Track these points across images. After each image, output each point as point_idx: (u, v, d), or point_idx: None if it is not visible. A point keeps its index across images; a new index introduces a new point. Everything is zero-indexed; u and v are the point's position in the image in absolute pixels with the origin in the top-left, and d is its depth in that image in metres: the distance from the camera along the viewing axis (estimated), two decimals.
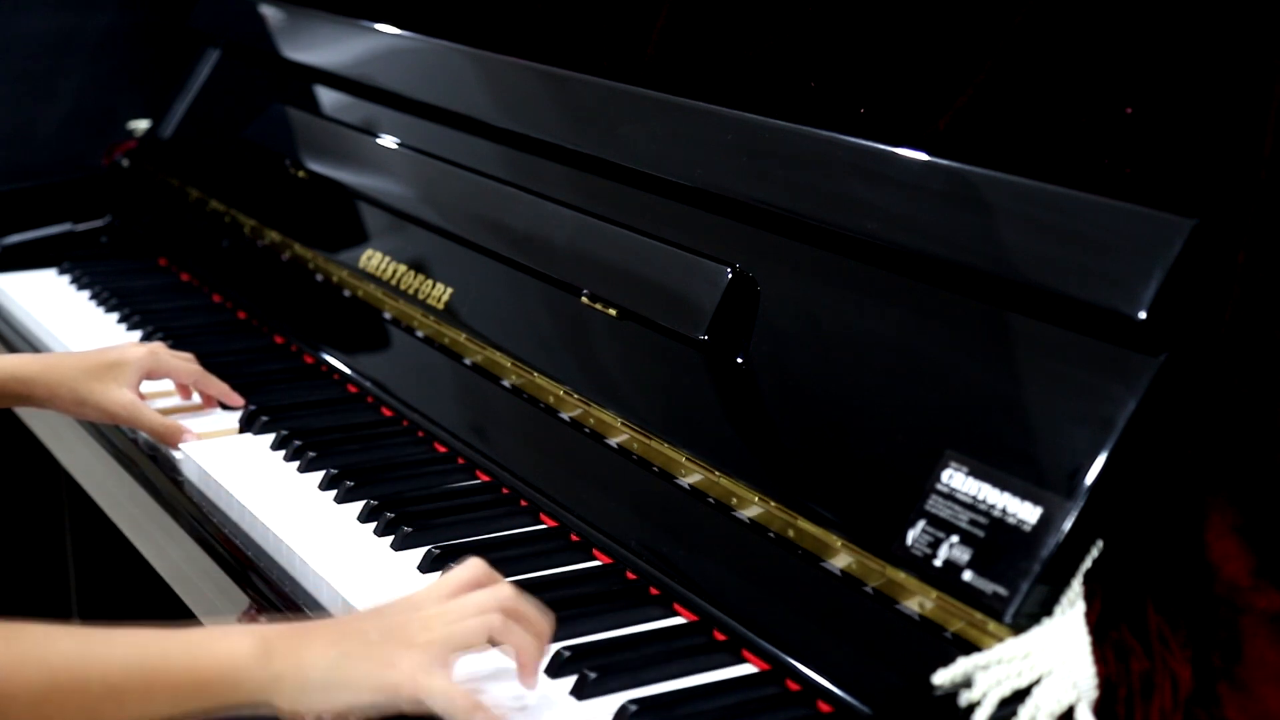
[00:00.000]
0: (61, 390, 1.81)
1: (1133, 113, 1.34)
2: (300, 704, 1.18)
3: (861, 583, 1.32)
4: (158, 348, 1.90)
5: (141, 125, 2.80)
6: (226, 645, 1.17)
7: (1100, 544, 1.20)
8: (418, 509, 1.63)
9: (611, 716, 1.28)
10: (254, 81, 2.56)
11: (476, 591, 1.27)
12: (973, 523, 1.24)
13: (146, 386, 1.89)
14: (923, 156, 1.41)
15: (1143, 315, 1.19)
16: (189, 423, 1.85)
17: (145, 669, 1.14)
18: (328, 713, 1.19)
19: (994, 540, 1.23)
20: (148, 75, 2.91)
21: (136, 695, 1.13)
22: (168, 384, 1.95)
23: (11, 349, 2.31)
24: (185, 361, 1.91)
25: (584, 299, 1.69)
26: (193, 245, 2.51)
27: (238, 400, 1.91)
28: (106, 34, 2.89)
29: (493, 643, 1.26)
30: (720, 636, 1.40)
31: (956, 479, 1.27)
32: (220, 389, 1.92)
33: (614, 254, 1.69)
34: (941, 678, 1.19)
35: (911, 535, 1.28)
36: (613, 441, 1.61)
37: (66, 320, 2.29)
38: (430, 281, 1.95)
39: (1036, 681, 1.17)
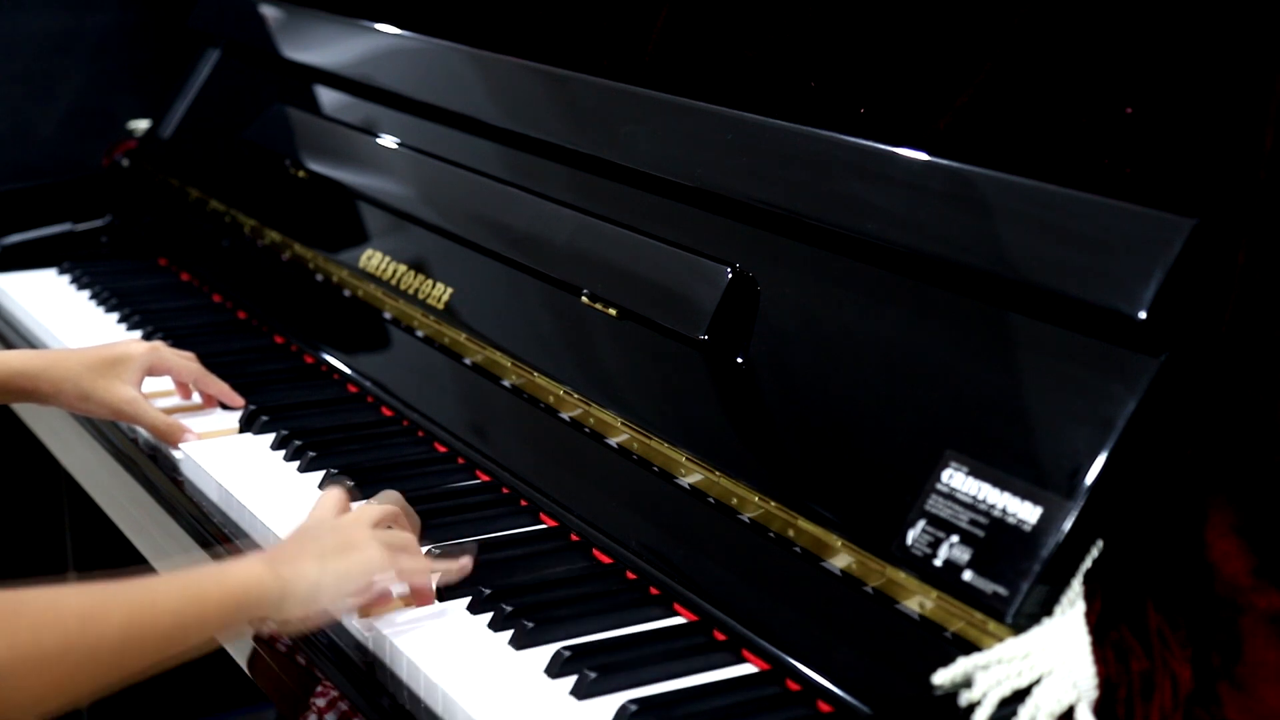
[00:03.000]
0: (65, 385, 1.82)
1: (1133, 113, 1.34)
2: (308, 608, 1.37)
3: (861, 583, 1.32)
4: (160, 345, 1.91)
5: (141, 125, 2.80)
6: (243, 571, 1.34)
7: (1100, 544, 1.20)
8: (417, 509, 1.63)
9: (611, 716, 1.28)
10: (254, 81, 2.56)
11: (375, 505, 1.52)
12: (973, 523, 1.25)
13: (147, 385, 1.89)
14: (923, 156, 1.41)
15: (1143, 315, 1.19)
16: (189, 422, 1.85)
17: (192, 598, 1.30)
18: (322, 615, 1.41)
19: (994, 540, 1.23)
20: (148, 75, 2.91)
21: (193, 626, 1.30)
22: (168, 383, 1.95)
23: (11, 349, 2.31)
24: (186, 359, 1.92)
25: (584, 299, 1.69)
26: (193, 245, 2.51)
27: (238, 400, 1.92)
28: (106, 34, 2.89)
29: (393, 523, 1.50)
30: (720, 636, 1.40)
31: (956, 479, 1.27)
32: (220, 388, 1.92)
33: (614, 254, 1.69)
34: (941, 678, 1.19)
35: (912, 535, 1.28)
36: (613, 441, 1.61)
37: (66, 320, 2.29)
38: (430, 281, 1.95)
39: (1036, 681, 1.17)
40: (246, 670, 1.73)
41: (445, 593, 1.48)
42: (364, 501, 1.54)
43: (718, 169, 1.61)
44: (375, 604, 1.46)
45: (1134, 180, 1.32)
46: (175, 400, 1.94)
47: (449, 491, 1.70)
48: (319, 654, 1.48)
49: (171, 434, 1.83)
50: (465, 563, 1.48)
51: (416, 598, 1.47)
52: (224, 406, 1.93)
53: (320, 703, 1.50)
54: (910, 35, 1.58)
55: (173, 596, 1.29)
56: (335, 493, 1.52)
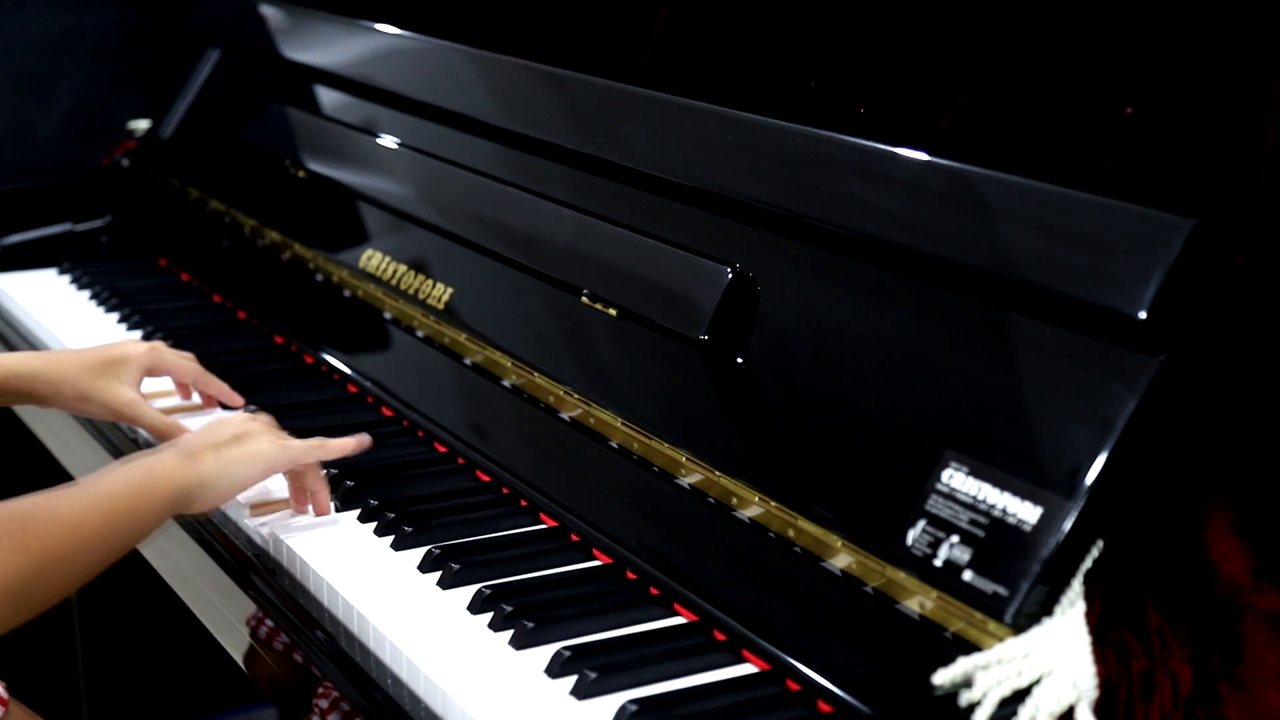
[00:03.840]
0: (64, 387, 1.83)
1: (1133, 113, 1.34)
2: (215, 493, 1.57)
3: (862, 583, 1.32)
4: (159, 345, 1.90)
5: (141, 125, 2.80)
6: (169, 471, 1.53)
7: (1100, 544, 1.20)
8: (418, 509, 1.63)
9: (611, 716, 1.29)
10: (254, 81, 2.56)
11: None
12: (973, 523, 1.25)
13: (148, 385, 1.89)
14: (923, 156, 1.41)
15: (1143, 315, 1.19)
16: (189, 423, 1.85)
17: (141, 502, 1.50)
18: (233, 495, 1.61)
19: (994, 540, 1.23)
20: (148, 75, 2.91)
21: (141, 526, 1.51)
22: (168, 384, 1.95)
23: (11, 349, 2.31)
24: (186, 360, 1.91)
25: (584, 299, 1.69)
26: (193, 245, 2.52)
27: (238, 400, 1.92)
28: (106, 34, 2.89)
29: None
30: (720, 636, 1.40)
31: (957, 479, 1.27)
32: (220, 389, 1.92)
33: (614, 254, 1.69)
34: (941, 678, 1.19)
35: (912, 535, 1.28)
36: (613, 441, 1.61)
37: (66, 320, 2.29)
38: (430, 281, 1.95)
39: (1036, 681, 1.17)
40: (242, 665, 1.73)
41: (444, 581, 1.48)
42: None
43: (718, 169, 1.61)
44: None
45: (1134, 180, 1.32)
46: (175, 400, 1.94)
47: (449, 492, 1.70)
48: (318, 652, 1.48)
49: (171, 434, 1.82)
50: (361, 439, 1.68)
51: (315, 504, 1.64)
52: (224, 407, 1.93)
53: (323, 704, 1.50)
54: (910, 35, 1.58)
55: (127, 499, 1.49)
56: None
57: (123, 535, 1.48)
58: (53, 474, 2.50)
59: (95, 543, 1.44)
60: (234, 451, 1.58)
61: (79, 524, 1.43)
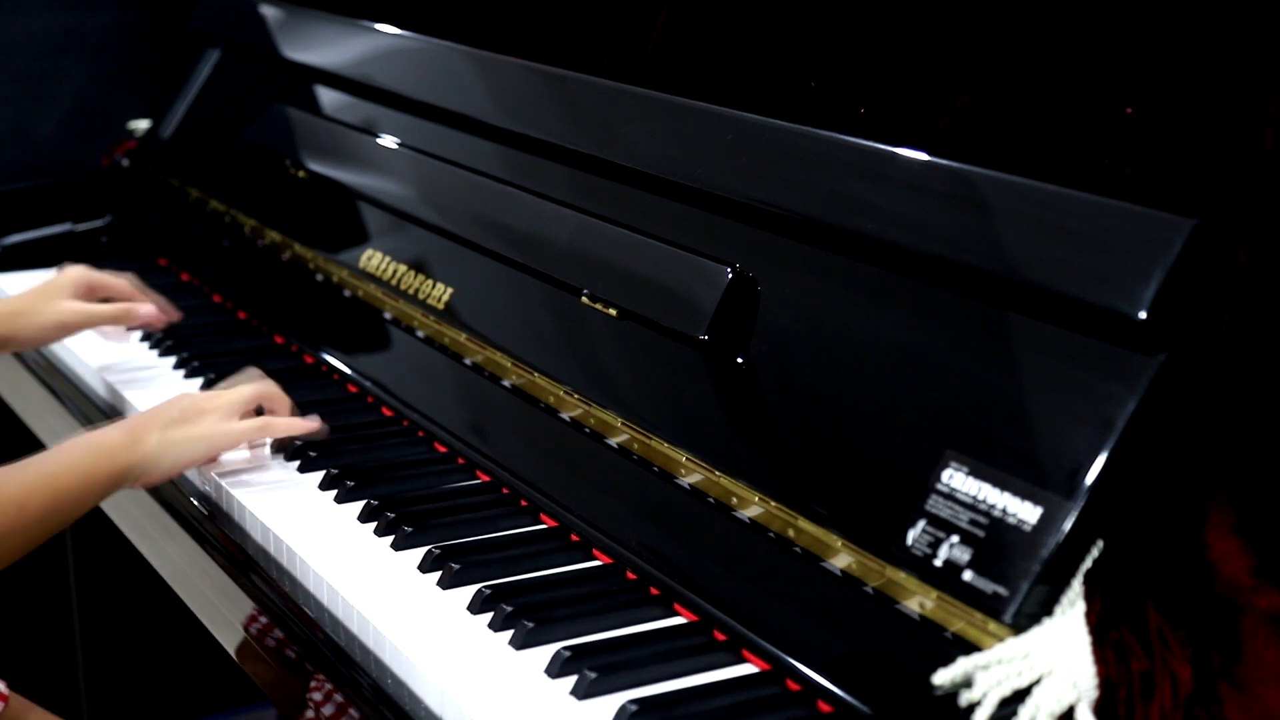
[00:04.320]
0: (18, 323, 1.99)
1: (1133, 113, 1.33)
2: (157, 471, 1.66)
3: (861, 583, 1.32)
4: (87, 268, 2.06)
5: (141, 125, 2.80)
6: (114, 449, 1.63)
7: (1100, 544, 1.20)
8: (418, 509, 1.63)
9: (612, 716, 1.29)
10: (254, 81, 2.56)
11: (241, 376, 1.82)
12: (973, 523, 1.25)
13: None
14: (923, 156, 1.41)
15: (1143, 315, 1.19)
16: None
17: (84, 477, 1.61)
18: (176, 473, 1.70)
19: (994, 540, 1.23)
20: (148, 75, 2.91)
21: (83, 502, 1.61)
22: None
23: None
24: (121, 278, 2.07)
25: (584, 299, 1.69)
26: (193, 245, 2.52)
27: (175, 314, 2.10)
28: (106, 34, 2.89)
29: (262, 401, 1.76)
30: (720, 636, 1.41)
31: (957, 479, 1.27)
32: (156, 299, 2.08)
33: (614, 254, 1.69)
34: (941, 678, 1.19)
35: (912, 535, 1.28)
36: (613, 441, 1.61)
37: None
38: (430, 281, 1.95)
39: (1037, 681, 1.17)
40: (240, 663, 1.73)
41: (444, 581, 1.48)
42: (238, 383, 1.80)
43: (718, 169, 1.61)
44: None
45: (1134, 180, 1.32)
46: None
47: (449, 492, 1.70)
48: (317, 651, 1.48)
49: (128, 315, 2.01)
50: (311, 422, 1.75)
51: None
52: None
53: (320, 701, 1.50)
54: (910, 35, 1.58)
55: (71, 478, 1.59)
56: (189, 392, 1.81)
57: (64, 513, 1.59)
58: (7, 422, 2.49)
59: (37, 522, 1.55)
60: (178, 432, 1.67)
61: (23, 504, 1.53)
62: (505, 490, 1.69)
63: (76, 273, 2.04)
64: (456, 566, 1.50)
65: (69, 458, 1.61)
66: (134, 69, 2.92)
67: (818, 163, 1.51)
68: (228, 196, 2.47)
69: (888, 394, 1.37)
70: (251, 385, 1.77)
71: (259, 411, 1.77)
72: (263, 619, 1.62)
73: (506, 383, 1.78)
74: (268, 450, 1.80)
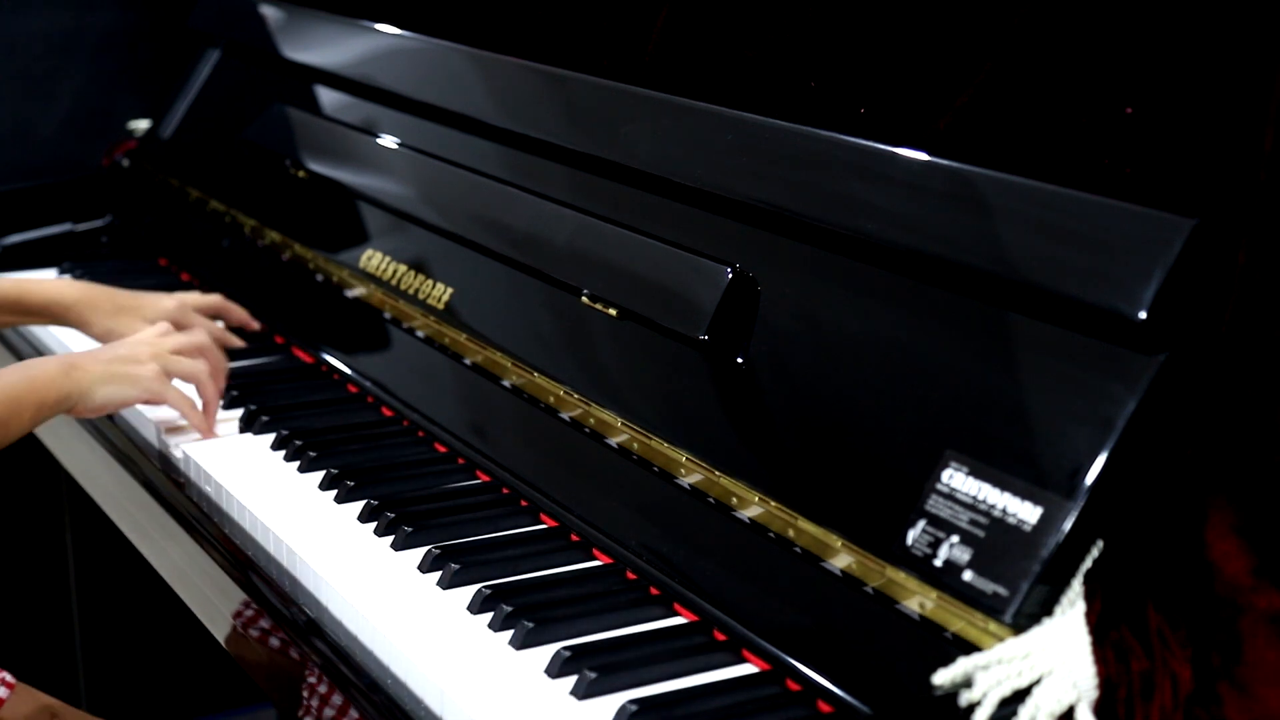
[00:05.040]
0: (93, 316, 2.04)
1: (1133, 113, 1.33)
2: (91, 403, 1.76)
3: (862, 583, 1.32)
4: (190, 300, 2.08)
5: (141, 125, 2.80)
6: (47, 378, 1.72)
7: (1100, 544, 1.20)
8: (418, 509, 1.63)
9: (612, 716, 1.29)
10: (254, 81, 2.56)
11: (180, 333, 1.91)
12: (973, 523, 1.25)
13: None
14: (923, 156, 1.41)
15: (1143, 315, 1.19)
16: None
17: (14, 406, 1.68)
18: (110, 408, 1.81)
19: (994, 540, 1.23)
20: (148, 75, 2.91)
21: (13, 427, 1.68)
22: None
23: (13, 349, 2.31)
24: (211, 323, 2.07)
25: (584, 299, 1.69)
26: (193, 245, 2.51)
27: (253, 324, 2.15)
28: (106, 34, 2.89)
29: (200, 353, 1.87)
30: (720, 636, 1.41)
31: (957, 479, 1.27)
32: (227, 336, 2.10)
33: (614, 254, 1.69)
34: (941, 678, 1.19)
35: (912, 535, 1.28)
36: (613, 441, 1.61)
37: None
38: (430, 281, 1.95)
39: (1037, 681, 1.17)
40: (238, 662, 1.73)
41: (444, 581, 1.48)
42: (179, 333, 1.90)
43: (718, 169, 1.61)
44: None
45: (1134, 180, 1.32)
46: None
47: (449, 491, 1.70)
48: (316, 651, 1.48)
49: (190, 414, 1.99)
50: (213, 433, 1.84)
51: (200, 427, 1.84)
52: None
53: (320, 702, 1.50)
54: (910, 35, 1.58)
55: (2, 407, 1.67)
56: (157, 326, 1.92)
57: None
58: (53, 474, 2.51)
59: None
60: (116, 369, 1.77)
61: None
62: (505, 490, 1.69)
63: (169, 310, 2.05)
64: (456, 566, 1.50)
65: (3, 386, 1.67)
66: (134, 69, 2.92)
67: (818, 163, 1.51)
68: (228, 196, 2.47)
69: (887, 394, 1.37)
70: (191, 362, 1.84)
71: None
72: (263, 620, 1.62)
73: (506, 383, 1.78)
74: (267, 444, 1.80)
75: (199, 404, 1.85)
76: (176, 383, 1.85)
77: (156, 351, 1.82)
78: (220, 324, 2.11)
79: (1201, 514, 1.16)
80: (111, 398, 1.77)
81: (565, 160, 1.84)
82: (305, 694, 1.54)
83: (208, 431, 1.84)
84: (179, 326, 2.01)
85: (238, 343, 2.09)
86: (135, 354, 1.80)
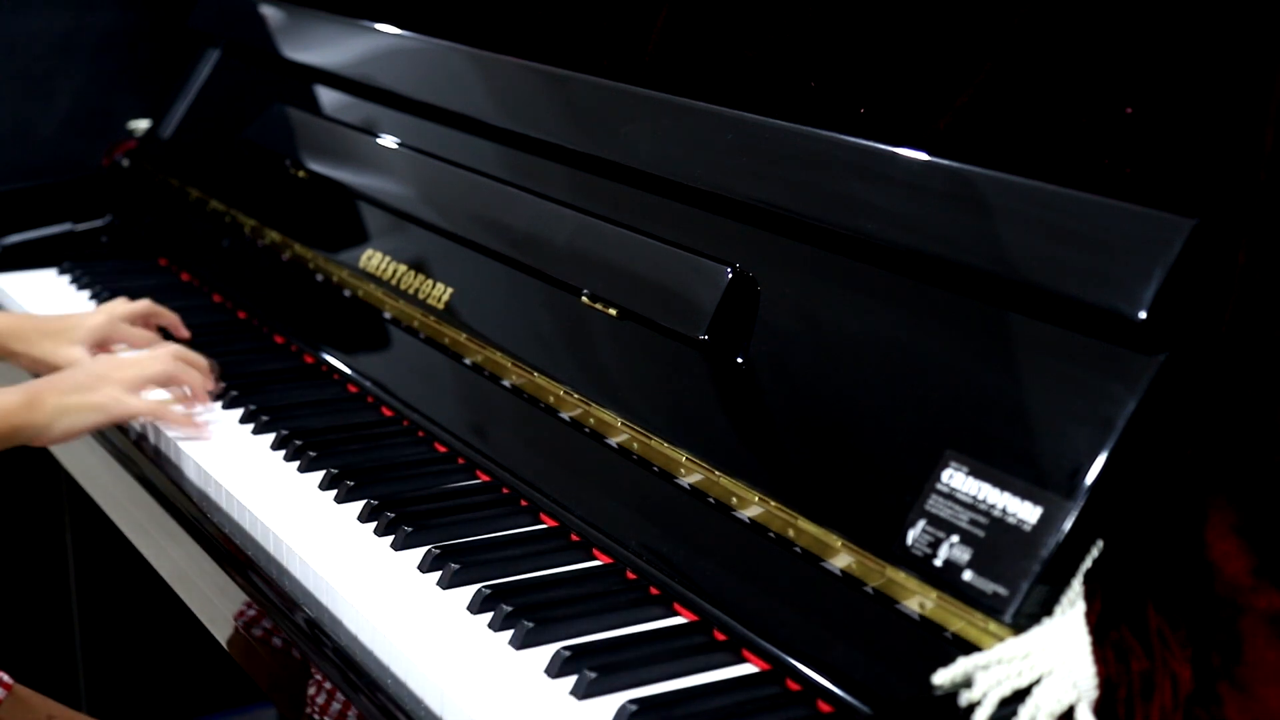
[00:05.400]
0: (19, 346, 2.01)
1: (1133, 113, 1.34)
2: (50, 435, 1.77)
3: (862, 583, 1.32)
4: (118, 311, 2.05)
5: (141, 125, 2.80)
6: (6, 408, 1.73)
7: (1100, 544, 1.20)
8: (418, 509, 1.63)
9: (612, 716, 1.29)
10: (254, 81, 2.56)
11: (155, 349, 1.91)
12: (973, 523, 1.25)
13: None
14: (923, 156, 1.41)
15: (1143, 315, 1.19)
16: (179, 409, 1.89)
17: None
18: (71, 437, 1.81)
19: (994, 540, 1.23)
20: (148, 75, 2.91)
21: None
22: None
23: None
24: (143, 333, 2.06)
25: (584, 299, 1.69)
26: (193, 245, 2.51)
27: (184, 333, 2.12)
28: (106, 34, 2.89)
29: (170, 382, 1.87)
30: (720, 636, 1.40)
31: (957, 479, 1.27)
32: (169, 319, 2.10)
33: (614, 254, 1.69)
34: (941, 678, 1.19)
35: (912, 535, 1.28)
36: (613, 441, 1.61)
37: None
38: (430, 281, 1.95)
39: (1037, 681, 1.17)
40: (239, 662, 1.73)
41: (444, 581, 1.48)
42: (145, 352, 1.90)
43: (718, 169, 1.61)
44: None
45: (1134, 180, 1.32)
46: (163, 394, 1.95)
47: (449, 491, 1.70)
48: (317, 651, 1.48)
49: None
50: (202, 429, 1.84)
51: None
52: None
53: (321, 702, 1.50)
54: (910, 35, 1.58)
55: None
56: (109, 354, 1.94)
57: None
58: (53, 474, 2.51)
59: None
60: (75, 399, 1.78)
61: None
62: (505, 490, 1.69)
63: (97, 325, 2.03)
64: (456, 566, 1.50)
65: None
66: (134, 69, 2.92)
67: (818, 163, 1.51)
68: (228, 196, 2.47)
69: (887, 394, 1.37)
70: (160, 364, 1.85)
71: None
72: (265, 621, 1.62)
73: (506, 383, 1.78)
74: (267, 444, 1.80)
75: (175, 406, 1.87)
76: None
77: (121, 376, 1.81)
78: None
79: (1201, 514, 1.16)
80: (72, 427, 1.78)
81: (565, 160, 1.84)
82: (306, 694, 1.54)
83: (190, 424, 1.85)
84: (111, 340, 2.03)
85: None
86: (94, 382, 1.80)
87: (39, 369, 2.01)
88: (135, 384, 1.82)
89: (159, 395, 1.93)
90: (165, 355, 1.87)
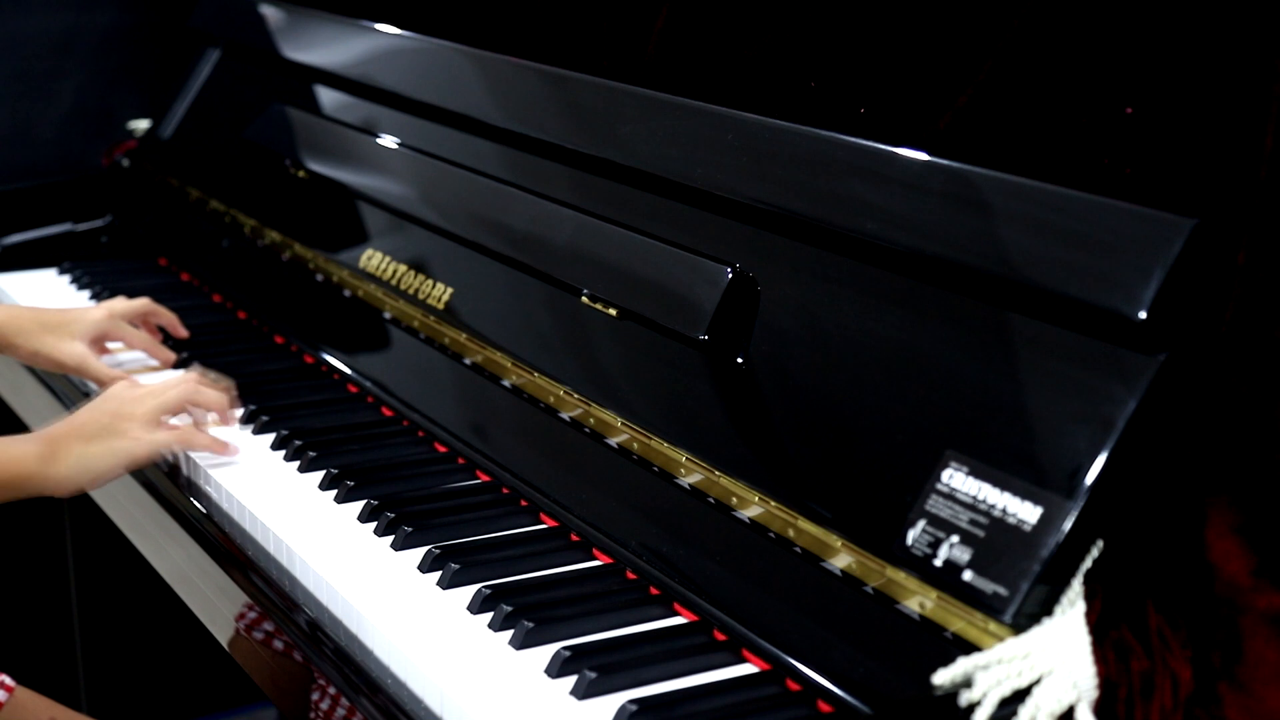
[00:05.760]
0: (18, 339, 1.99)
1: (1133, 113, 1.34)
2: (71, 485, 1.68)
3: (862, 583, 1.32)
4: (117, 308, 2.04)
5: (141, 125, 2.80)
6: (20, 457, 1.66)
7: (1100, 544, 1.20)
8: (418, 509, 1.63)
9: (611, 716, 1.29)
10: (254, 81, 2.56)
11: (171, 378, 1.83)
12: (973, 523, 1.25)
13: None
14: (923, 156, 1.41)
15: (1143, 315, 1.19)
16: (176, 419, 1.87)
17: None
18: (96, 486, 1.73)
19: (994, 540, 1.23)
20: (148, 75, 2.91)
21: None
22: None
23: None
24: (139, 334, 2.05)
25: (584, 299, 1.69)
26: (193, 245, 2.52)
27: (182, 332, 2.11)
28: (106, 34, 2.89)
29: (190, 406, 1.79)
30: (720, 636, 1.40)
31: (957, 479, 1.27)
32: (166, 357, 2.07)
33: (614, 254, 1.69)
34: (942, 678, 1.19)
35: (912, 535, 1.28)
36: (613, 441, 1.61)
37: None
38: (430, 281, 1.95)
39: (1037, 681, 1.17)
40: (239, 663, 1.73)
41: (444, 581, 1.48)
42: (162, 380, 1.82)
43: (718, 169, 1.61)
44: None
45: (1134, 180, 1.32)
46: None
47: (449, 491, 1.70)
48: (317, 652, 1.48)
49: (115, 382, 1.96)
50: (230, 446, 1.77)
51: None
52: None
53: (322, 703, 1.50)
54: (910, 35, 1.58)
55: None
56: (124, 383, 1.82)
57: None
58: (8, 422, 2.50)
59: None
60: (97, 447, 1.69)
61: None
62: (505, 490, 1.69)
63: (97, 320, 2.01)
64: (456, 566, 1.50)
65: None
66: (134, 69, 2.92)
67: (818, 163, 1.51)
68: (228, 196, 2.47)
69: (887, 394, 1.37)
70: (177, 390, 1.77)
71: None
72: (266, 622, 1.62)
73: (506, 383, 1.78)
74: (267, 444, 1.80)
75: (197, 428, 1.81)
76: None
77: (141, 411, 1.73)
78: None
79: (1201, 514, 1.16)
80: (98, 478, 1.71)
81: (565, 160, 1.84)
82: (306, 694, 1.54)
83: (218, 447, 1.77)
84: (109, 337, 2.01)
85: (171, 355, 2.08)
86: (114, 421, 1.71)
87: (37, 362, 2.01)
88: (155, 416, 1.74)
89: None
90: (181, 380, 1.80)
